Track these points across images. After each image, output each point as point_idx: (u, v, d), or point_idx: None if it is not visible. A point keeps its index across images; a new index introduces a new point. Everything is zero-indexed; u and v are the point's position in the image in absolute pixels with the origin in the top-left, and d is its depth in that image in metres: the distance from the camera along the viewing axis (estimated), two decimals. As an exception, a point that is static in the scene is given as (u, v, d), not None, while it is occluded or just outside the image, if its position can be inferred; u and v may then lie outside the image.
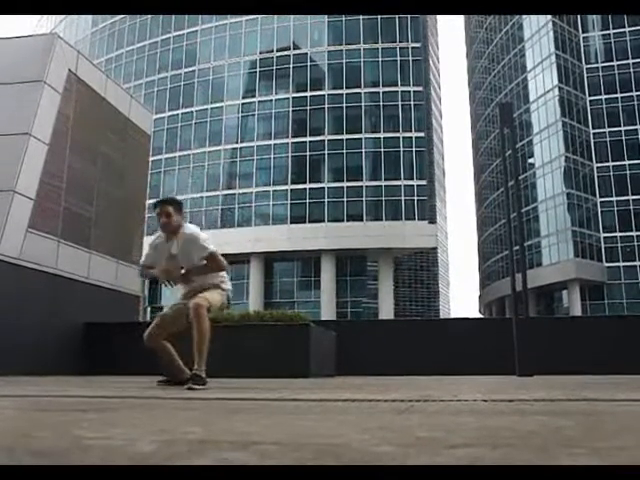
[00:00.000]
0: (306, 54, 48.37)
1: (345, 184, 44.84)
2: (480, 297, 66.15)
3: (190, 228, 4.66)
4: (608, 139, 49.12)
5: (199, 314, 4.21)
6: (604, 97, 49.87)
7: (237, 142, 47.36)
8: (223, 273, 4.73)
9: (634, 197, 47.28)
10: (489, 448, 1.16)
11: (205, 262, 4.55)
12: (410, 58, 46.24)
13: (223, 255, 4.72)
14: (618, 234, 47.59)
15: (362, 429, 1.52)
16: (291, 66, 48.20)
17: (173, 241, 4.62)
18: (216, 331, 4.31)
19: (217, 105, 48.85)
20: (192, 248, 4.54)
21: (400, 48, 46.51)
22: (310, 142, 46.14)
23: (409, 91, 45.56)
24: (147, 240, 13.36)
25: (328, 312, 42.15)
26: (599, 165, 48.90)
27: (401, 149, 44.68)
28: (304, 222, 44.49)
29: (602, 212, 48.18)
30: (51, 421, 1.80)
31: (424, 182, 44.58)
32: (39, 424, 1.72)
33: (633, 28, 50.08)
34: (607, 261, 47.48)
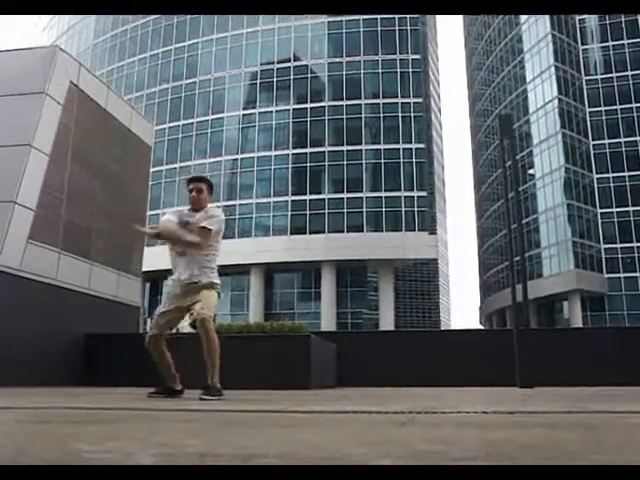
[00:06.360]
0: (306, 66, 48.61)
1: (345, 195, 44.88)
2: (481, 308, 66.02)
3: (215, 209, 4.78)
4: (608, 150, 49.22)
5: (207, 328, 4.24)
6: (604, 109, 50.02)
7: (238, 153, 47.48)
8: (215, 268, 4.64)
9: (634, 208, 47.30)
10: (490, 461, 1.15)
11: (199, 232, 4.48)
12: (410, 69, 46.43)
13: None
14: (619, 245, 47.58)
15: (362, 442, 1.52)
16: (291, 78, 48.41)
17: (194, 215, 4.65)
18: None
19: (218, 116, 49.03)
20: (205, 218, 4.57)
21: (400, 60, 46.71)
22: (310, 153, 46.26)
23: (409, 102, 45.71)
24: (148, 250, 13.17)
25: (328, 323, 42.05)
26: (599, 176, 48.98)
27: (401, 160, 44.76)
28: (304, 233, 44.50)
29: (602, 223, 48.19)
30: (50, 434, 1.79)
31: (424, 193, 44.62)
32: (38, 437, 1.71)
33: (632, 40, 50.31)
34: (608, 272, 47.43)
